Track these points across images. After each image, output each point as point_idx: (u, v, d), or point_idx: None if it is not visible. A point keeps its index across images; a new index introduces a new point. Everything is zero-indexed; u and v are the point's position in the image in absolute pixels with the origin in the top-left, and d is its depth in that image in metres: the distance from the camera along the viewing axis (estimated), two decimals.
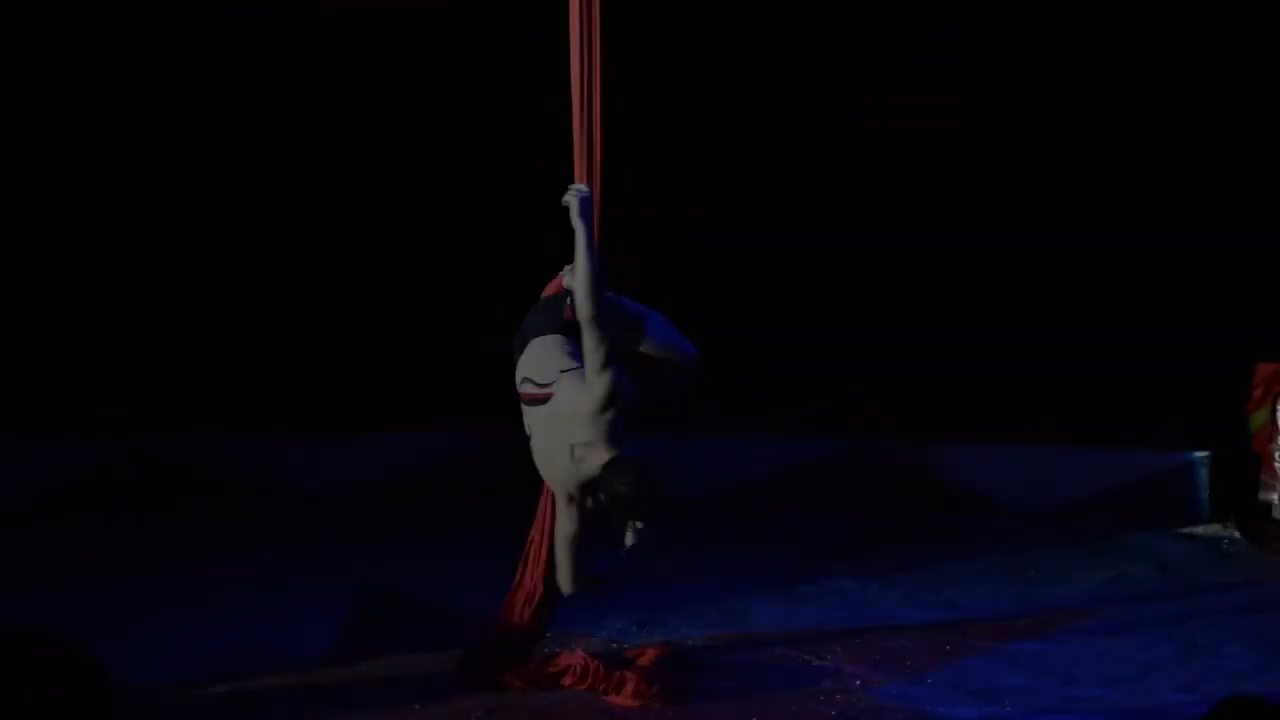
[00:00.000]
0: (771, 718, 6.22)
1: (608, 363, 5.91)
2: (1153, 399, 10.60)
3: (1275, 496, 10.03)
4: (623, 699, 6.37)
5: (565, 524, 6.12)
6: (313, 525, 10.03)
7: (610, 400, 5.93)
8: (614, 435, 5.95)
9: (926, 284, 11.35)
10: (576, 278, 5.94)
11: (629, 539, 6.18)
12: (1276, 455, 10.02)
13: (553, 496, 6.38)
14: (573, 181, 6.20)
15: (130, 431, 10.73)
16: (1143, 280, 10.91)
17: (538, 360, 6.14)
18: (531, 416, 6.09)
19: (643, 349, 6.30)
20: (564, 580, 6.17)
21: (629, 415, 6.00)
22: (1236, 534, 9.85)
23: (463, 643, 7.09)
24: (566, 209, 6.03)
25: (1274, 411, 10.10)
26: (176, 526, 10.14)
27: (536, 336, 6.22)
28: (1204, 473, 10.19)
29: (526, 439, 6.18)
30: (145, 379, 10.98)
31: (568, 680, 6.53)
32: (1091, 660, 7.02)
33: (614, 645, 7.17)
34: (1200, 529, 10.07)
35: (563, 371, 6.03)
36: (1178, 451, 10.31)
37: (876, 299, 11.41)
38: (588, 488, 5.99)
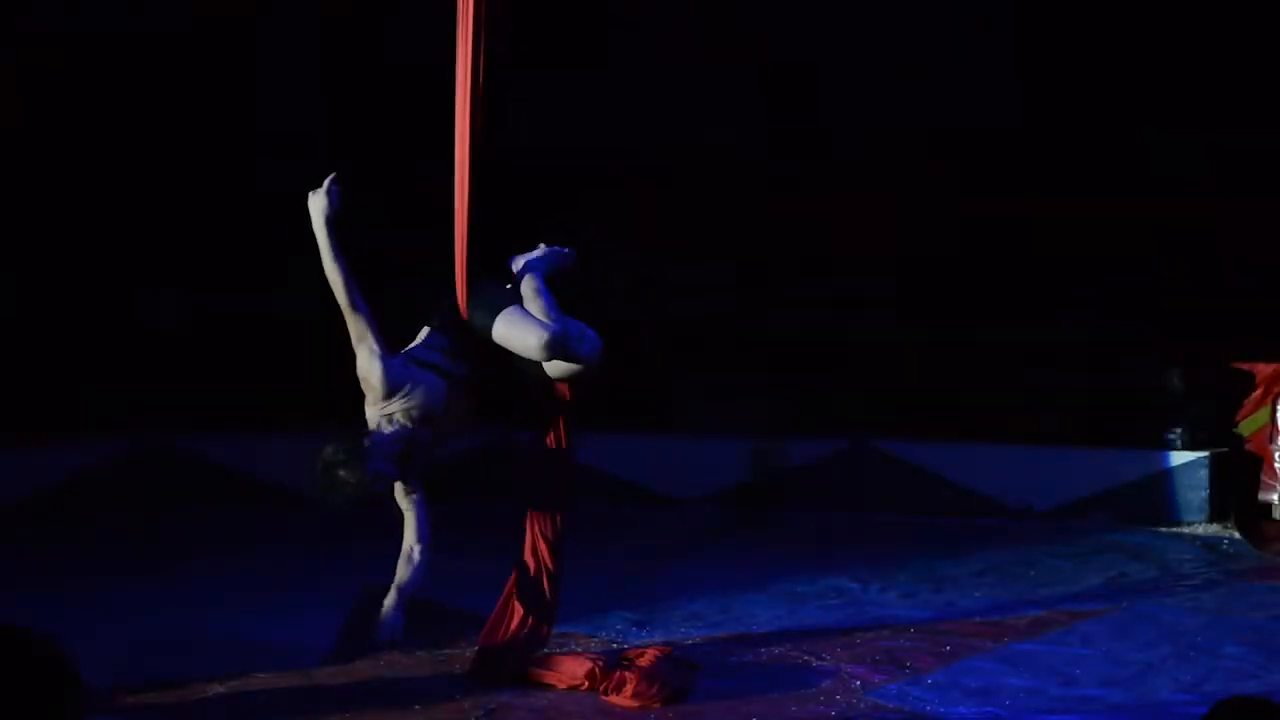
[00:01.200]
0: (771, 718, 6.21)
1: (360, 341, 6.17)
2: (1152, 399, 10.61)
3: (1275, 496, 10.04)
4: (623, 699, 6.36)
5: None
6: (313, 525, 10.04)
7: (365, 382, 6.18)
8: (375, 417, 6.19)
9: (928, 285, 11.35)
10: (327, 274, 6.15)
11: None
12: (1276, 455, 10.03)
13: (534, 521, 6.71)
14: None
15: (130, 431, 10.74)
16: (1145, 280, 10.92)
17: None
18: None
19: (495, 333, 6.30)
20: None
21: (400, 406, 6.18)
22: (1236, 534, 9.86)
23: (463, 643, 7.11)
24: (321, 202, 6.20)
25: (1274, 411, 10.10)
26: (177, 526, 10.15)
27: None
28: (1204, 473, 10.20)
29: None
30: (146, 379, 10.98)
31: (568, 680, 6.53)
32: (1091, 660, 7.01)
33: (614, 645, 7.17)
34: (1200, 529, 10.08)
35: None
36: (1178, 451, 10.32)
37: (882, 303, 11.43)
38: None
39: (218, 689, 6.51)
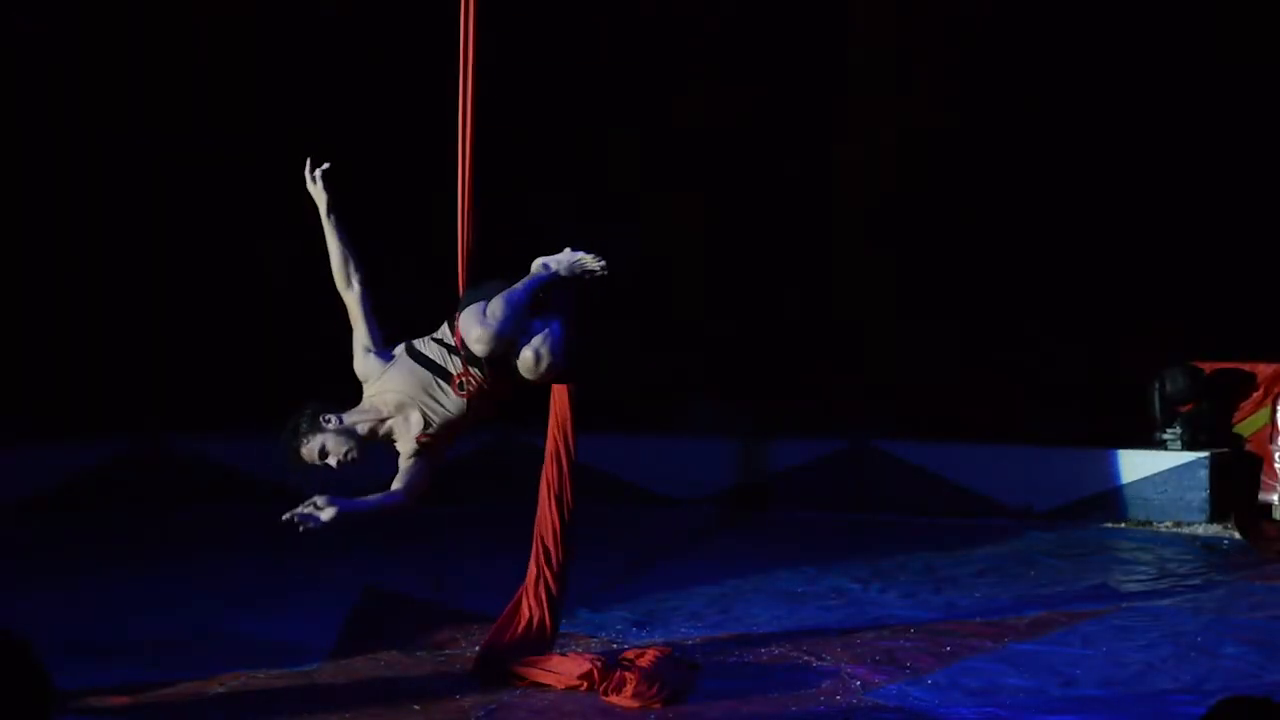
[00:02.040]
0: (771, 718, 6.21)
1: (354, 324, 6.31)
2: (1152, 399, 10.59)
3: (1275, 497, 10.03)
4: (623, 699, 6.35)
5: None
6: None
7: None
8: (365, 396, 6.35)
9: (929, 286, 11.35)
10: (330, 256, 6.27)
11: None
12: (1276, 455, 10.02)
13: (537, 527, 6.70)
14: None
15: (131, 431, 10.74)
16: (1143, 281, 10.92)
17: None
18: None
19: (459, 326, 6.33)
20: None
21: (375, 390, 6.29)
22: (1236, 534, 9.86)
23: (463, 643, 7.11)
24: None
25: (1274, 411, 10.10)
26: (177, 526, 10.14)
27: None
28: (1204, 473, 10.20)
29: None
30: (148, 379, 10.98)
31: (567, 681, 6.52)
32: (1091, 660, 7.01)
33: (614, 645, 7.17)
34: (1200, 529, 10.08)
35: None
36: (1178, 452, 10.32)
37: (882, 301, 11.43)
38: None
39: (217, 689, 6.51)
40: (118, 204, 11.09)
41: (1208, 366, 10.51)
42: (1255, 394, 10.39)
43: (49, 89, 10.92)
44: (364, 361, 6.28)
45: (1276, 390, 10.25)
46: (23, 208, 10.88)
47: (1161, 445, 10.38)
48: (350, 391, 6.34)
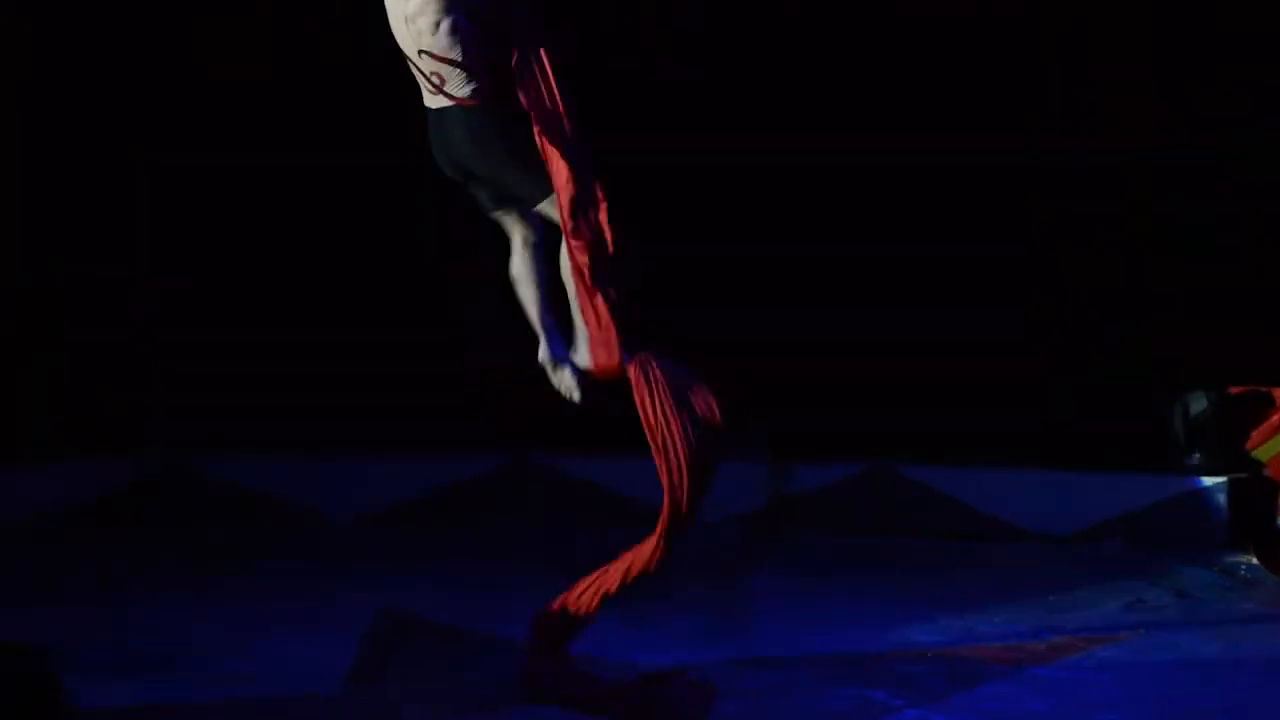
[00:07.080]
0: None
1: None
2: (1166, 423, 10.59)
3: None
4: None
5: None
6: (331, 547, 10.05)
7: None
8: None
9: (938, 303, 11.34)
10: None
11: None
12: None
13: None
14: None
15: (151, 451, 10.75)
16: (1158, 300, 10.92)
17: None
18: None
19: None
20: None
21: None
22: (1254, 560, 9.84)
23: (480, 668, 7.12)
24: None
25: None
26: (198, 546, 10.15)
27: None
28: (1222, 498, 10.19)
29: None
30: (167, 399, 10.99)
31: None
32: (1109, 685, 7.01)
33: (630, 667, 7.16)
34: (1218, 555, 10.05)
35: None
36: (1196, 477, 10.31)
37: (894, 322, 11.41)
38: None
39: (233, 710, 6.52)
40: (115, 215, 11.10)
41: (1229, 389, 10.48)
42: (1275, 418, 10.34)
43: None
44: None
45: None
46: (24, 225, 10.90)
47: (1181, 469, 10.37)
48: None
